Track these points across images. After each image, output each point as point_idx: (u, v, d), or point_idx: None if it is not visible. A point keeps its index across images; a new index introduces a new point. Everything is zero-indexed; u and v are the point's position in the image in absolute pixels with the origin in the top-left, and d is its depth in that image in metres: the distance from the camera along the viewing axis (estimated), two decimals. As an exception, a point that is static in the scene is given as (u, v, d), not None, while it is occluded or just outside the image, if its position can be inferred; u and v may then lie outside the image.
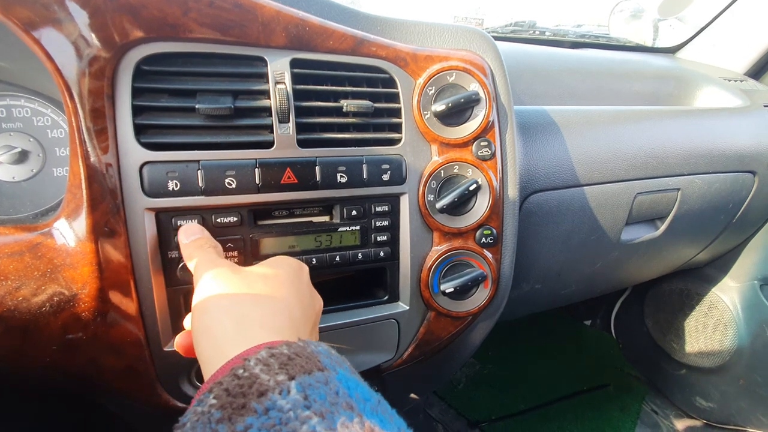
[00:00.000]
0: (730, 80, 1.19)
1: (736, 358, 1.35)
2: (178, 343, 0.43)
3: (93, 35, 0.44)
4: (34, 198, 0.56)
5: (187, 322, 0.46)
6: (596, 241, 0.89)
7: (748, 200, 1.07)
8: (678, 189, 0.94)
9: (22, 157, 0.56)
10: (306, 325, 0.42)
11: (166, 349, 0.52)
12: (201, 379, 0.53)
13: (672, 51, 1.42)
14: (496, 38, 1.26)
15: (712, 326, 1.41)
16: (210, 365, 0.34)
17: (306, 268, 0.48)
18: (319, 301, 0.48)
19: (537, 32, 1.33)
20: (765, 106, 1.10)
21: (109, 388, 0.54)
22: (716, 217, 1.07)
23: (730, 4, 1.27)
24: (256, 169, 0.51)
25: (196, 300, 0.40)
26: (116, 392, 0.55)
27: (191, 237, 0.48)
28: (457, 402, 1.49)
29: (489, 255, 0.65)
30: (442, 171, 0.61)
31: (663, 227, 0.98)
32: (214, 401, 0.27)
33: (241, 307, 0.38)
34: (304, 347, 0.33)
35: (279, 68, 0.52)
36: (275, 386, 0.28)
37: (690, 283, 1.46)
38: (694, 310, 1.46)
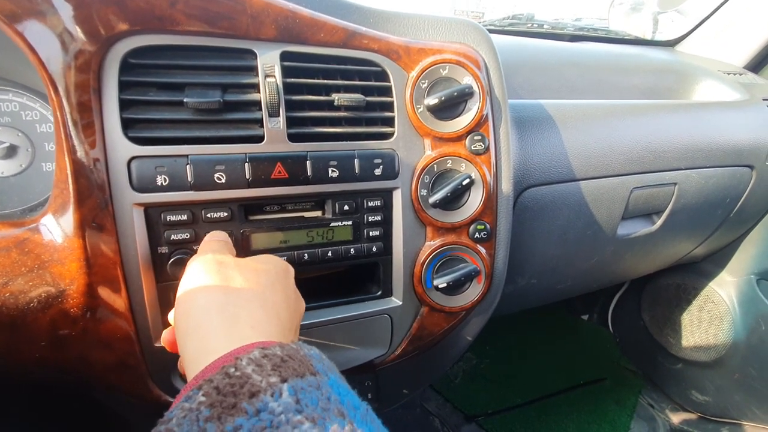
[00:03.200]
0: (729, 73, 1.18)
1: (732, 352, 1.35)
2: (165, 339, 0.43)
3: (78, 28, 0.43)
4: (22, 193, 0.56)
5: (172, 316, 0.45)
6: (592, 236, 0.89)
7: (745, 195, 1.07)
8: (675, 183, 0.93)
9: (11, 152, 0.55)
10: (291, 328, 0.41)
11: (157, 344, 0.52)
12: (192, 375, 0.53)
13: (672, 44, 1.41)
14: (494, 31, 1.25)
15: (708, 320, 1.41)
16: (195, 362, 0.33)
17: (292, 270, 0.48)
18: (302, 305, 0.47)
19: (535, 25, 1.32)
20: (764, 99, 1.09)
21: (101, 383, 0.54)
22: (713, 211, 1.06)
23: (730, -3, 1.26)
24: (246, 164, 0.51)
25: (183, 289, 0.39)
26: (108, 387, 0.55)
27: (213, 238, 0.49)
28: (453, 396, 1.50)
29: (482, 250, 0.65)
30: (435, 165, 0.60)
31: (660, 222, 0.98)
32: (203, 398, 0.27)
33: (232, 306, 0.37)
34: (297, 350, 0.32)
35: (269, 61, 0.51)
36: (267, 387, 0.27)
37: (687, 277, 1.46)
38: (691, 305, 1.46)
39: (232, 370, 0.29)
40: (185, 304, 0.38)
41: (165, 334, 0.43)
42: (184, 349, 0.36)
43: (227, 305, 0.37)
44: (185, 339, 0.36)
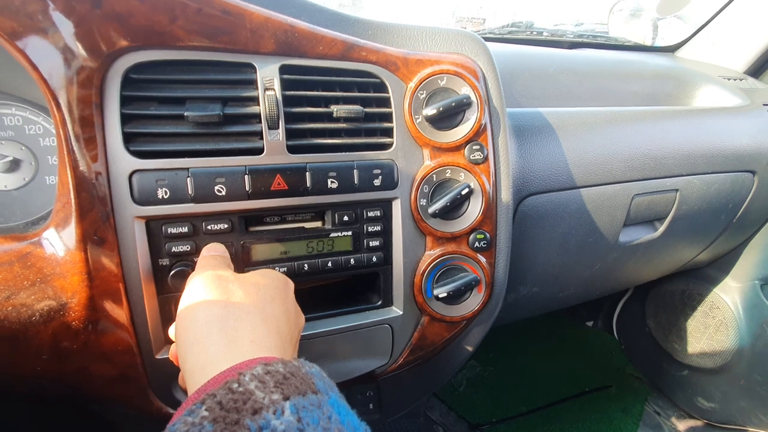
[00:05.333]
0: (729, 79, 1.18)
1: (737, 359, 1.34)
2: (173, 353, 0.43)
3: (79, 44, 0.44)
4: (25, 207, 0.56)
5: (172, 331, 0.46)
6: (594, 244, 0.89)
7: (748, 200, 1.06)
8: (676, 190, 0.93)
9: (14, 165, 0.56)
10: (291, 342, 0.42)
11: (158, 356, 0.52)
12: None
13: (671, 50, 1.41)
14: (493, 40, 1.26)
15: (713, 327, 1.39)
16: (195, 376, 0.34)
17: (292, 285, 0.48)
18: (301, 319, 0.47)
19: (534, 33, 1.32)
20: (764, 105, 1.09)
21: (102, 395, 0.54)
22: (716, 217, 1.06)
23: (730, 2, 1.26)
24: (246, 176, 0.51)
25: (183, 304, 0.40)
26: (109, 399, 0.55)
27: (211, 252, 0.49)
28: (457, 404, 1.49)
29: (482, 259, 0.65)
30: (434, 175, 0.60)
31: (662, 228, 0.97)
32: (206, 413, 0.27)
33: (233, 320, 0.37)
34: (299, 367, 0.32)
35: (268, 74, 0.52)
36: (270, 405, 0.28)
37: (691, 283, 1.45)
38: (696, 311, 1.45)
39: (235, 385, 0.29)
40: (185, 319, 0.38)
41: (173, 348, 0.44)
42: (184, 363, 0.36)
43: (227, 319, 0.37)
44: (185, 353, 0.36)
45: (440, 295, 0.62)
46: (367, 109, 0.57)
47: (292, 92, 0.53)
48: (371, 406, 0.71)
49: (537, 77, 0.99)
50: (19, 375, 0.49)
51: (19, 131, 0.57)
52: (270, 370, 0.30)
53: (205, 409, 0.27)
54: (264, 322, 0.39)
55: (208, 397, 0.28)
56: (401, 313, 0.64)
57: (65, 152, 0.45)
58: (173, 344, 0.44)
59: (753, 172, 1.03)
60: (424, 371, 0.73)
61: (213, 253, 0.49)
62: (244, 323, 0.37)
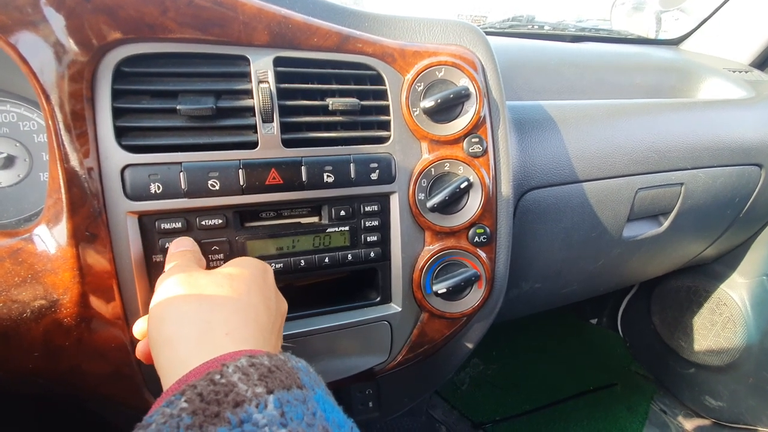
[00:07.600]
0: (734, 71, 1.16)
1: (746, 356, 1.32)
2: (140, 350, 0.42)
3: (69, 38, 0.43)
4: (19, 203, 0.56)
5: (136, 328, 0.44)
6: (597, 239, 0.87)
7: (755, 194, 1.04)
8: (681, 183, 0.91)
9: (8, 162, 0.56)
10: (272, 331, 0.40)
11: (152, 354, 0.52)
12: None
13: (675, 43, 1.39)
14: (494, 33, 1.24)
15: (720, 323, 1.37)
16: (169, 374, 0.33)
17: (270, 270, 0.47)
18: (284, 304, 0.46)
19: (536, 27, 1.31)
20: (771, 97, 1.07)
21: (97, 393, 0.53)
22: (722, 211, 1.04)
23: (734, -6, 1.24)
24: (240, 170, 0.50)
25: (153, 304, 0.39)
26: (104, 398, 0.54)
27: (179, 248, 0.48)
28: (460, 403, 1.48)
29: (482, 254, 0.64)
30: (432, 169, 0.59)
31: (667, 223, 0.96)
32: (185, 405, 0.26)
33: (205, 313, 0.36)
34: (285, 361, 0.32)
35: (262, 67, 0.51)
36: (252, 398, 0.27)
37: (697, 279, 1.43)
38: (702, 308, 1.43)
39: (218, 377, 0.28)
40: (157, 317, 0.37)
41: (140, 345, 0.42)
42: (158, 362, 0.35)
43: (199, 313, 0.36)
44: (158, 352, 0.35)
45: (440, 291, 0.61)
46: (364, 102, 0.56)
47: (287, 85, 0.52)
48: (370, 404, 0.70)
49: (538, 70, 0.98)
50: (11, 373, 0.49)
51: (14, 128, 0.56)
52: (255, 362, 0.30)
53: (185, 401, 0.26)
54: (239, 313, 0.37)
55: (189, 388, 0.27)
56: (400, 309, 0.63)
57: (56, 147, 0.44)
58: (140, 342, 0.43)
59: (760, 166, 1.01)
60: (424, 369, 0.72)
61: (181, 248, 0.48)
62: (217, 316, 0.36)
